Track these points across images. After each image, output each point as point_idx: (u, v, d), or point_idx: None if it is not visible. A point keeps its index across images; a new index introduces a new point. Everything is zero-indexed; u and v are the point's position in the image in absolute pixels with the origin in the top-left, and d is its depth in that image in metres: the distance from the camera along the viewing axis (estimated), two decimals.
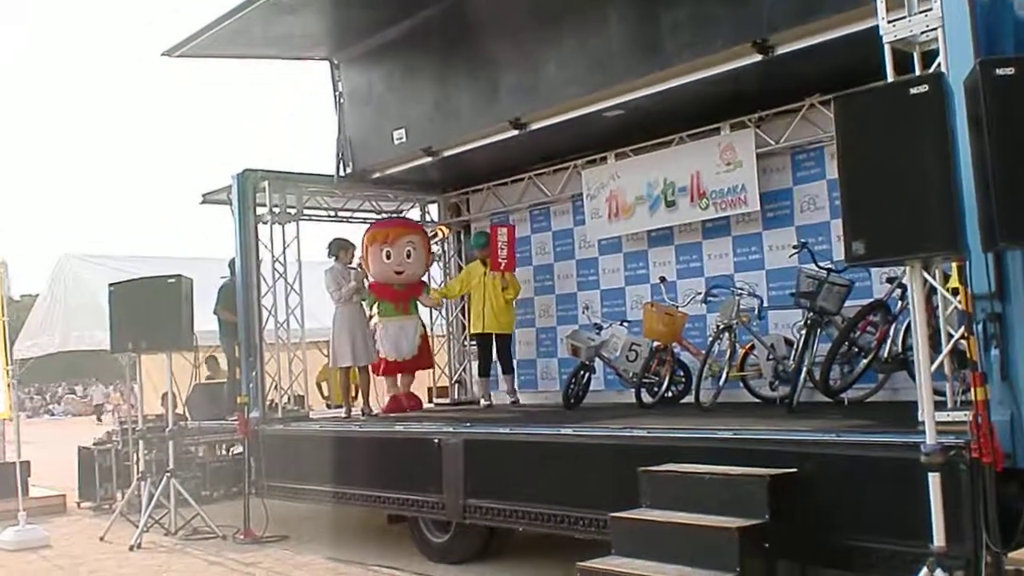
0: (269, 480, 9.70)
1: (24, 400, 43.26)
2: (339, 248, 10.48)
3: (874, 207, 4.39)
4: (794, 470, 5.35)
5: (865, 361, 6.89)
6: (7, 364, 9.58)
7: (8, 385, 9.56)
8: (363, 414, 10.26)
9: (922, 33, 5.16)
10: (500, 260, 9.98)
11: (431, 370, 11.77)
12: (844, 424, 5.85)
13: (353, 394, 10.64)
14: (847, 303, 7.18)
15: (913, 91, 4.29)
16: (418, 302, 10.89)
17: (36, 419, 43.04)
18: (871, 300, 7.12)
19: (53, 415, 47.63)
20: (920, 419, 5.06)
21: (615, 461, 6.34)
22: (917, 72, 5.22)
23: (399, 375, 10.78)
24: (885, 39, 5.30)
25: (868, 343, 6.91)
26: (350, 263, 10.52)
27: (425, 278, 11.33)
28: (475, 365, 11.81)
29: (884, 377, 7.34)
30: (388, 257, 10.70)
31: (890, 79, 5.19)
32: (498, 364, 10.25)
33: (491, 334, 10.16)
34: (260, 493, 9.72)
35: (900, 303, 6.84)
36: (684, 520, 5.37)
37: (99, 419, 39.30)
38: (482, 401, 10.63)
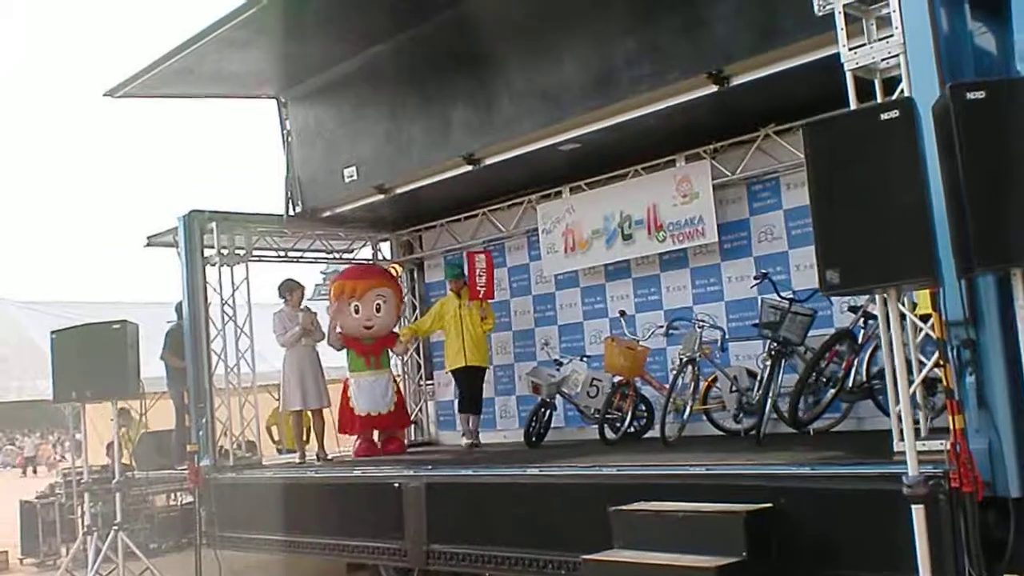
0: (222, 530, 9.35)
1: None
2: (287, 290, 10.27)
3: (847, 235, 4.33)
4: (769, 505, 5.23)
5: (833, 391, 6.83)
6: None
7: None
8: (318, 459, 9.98)
9: (883, 60, 5.13)
10: (479, 288, 9.68)
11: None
12: (816, 456, 5.76)
13: (305, 438, 10.35)
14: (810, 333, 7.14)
15: (884, 116, 4.24)
16: (390, 352, 10.56)
17: None
18: (836, 329, 7.08)
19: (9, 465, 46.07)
20: (896, 449, 5.03)
21: (584, 500, 6.18)
22: (879, 99, 5.20)
23: (375, 431, 10.32)
24: (847, 66, 5.26)
25: (834, 373, 6.86)
26: (299, 305, 10.28)
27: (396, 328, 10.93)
28: (431, 405, 11.67)
29: (848, 407, 7.31)
30: (357, 312, 10.27)
31: (852, 107, 5.16)
32: (467, 402, 9.92)
33: (472, 368, 9.80)
34: (212, 544, 9.36)
35: (863, 332, 6.82)
36: (659, 560, 5.21)
37: (30, 471, 37.73)
38: (464, 440, 10.02)
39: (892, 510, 4.57)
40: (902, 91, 4.94)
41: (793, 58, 6.61)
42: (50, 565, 11.60)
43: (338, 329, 10.25)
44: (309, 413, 10.26)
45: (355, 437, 10.29)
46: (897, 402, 4.80)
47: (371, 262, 11.87)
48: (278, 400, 15.36)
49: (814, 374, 6.88)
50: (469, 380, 9.84)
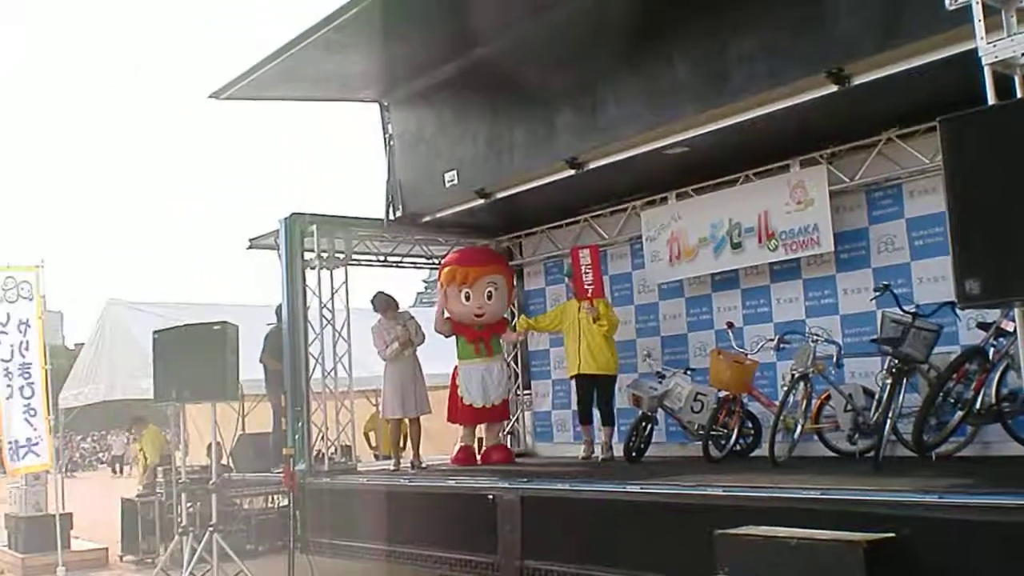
0: (315, 536, 9.27)
1: (76, 449, 43.20)
2: (381, 306, 10.07)
3: (989, 242, 3.92)
4: (892, 535, 4.80)
5: (960, 413, 6.33)
6: (48, 414, 9.28)
7: (50, 434, 9.26)
8: (412, 467, 9.82)
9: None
10: (586, 286, 9.08)
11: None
12: (945, 484, 5.30)
13: (402, 445, 10.21)
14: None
15: None
16: (500, 340, 10.11)
17: (87, 472, 42.87)
18: (967, 347, 6.58)
19: (103, 463, 47.49)
20: None
21: (687, 522, 5.81)
22: (1019, 95, 4.76)
23: (481, 425, 10.00)
24: (985, 60, 4.81)
25: (961, 393, 6.36)
26: (395, 316, 10.06)
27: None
28: (527, 415, 11.41)
29: (975, 430, 6.80)
30: (467, 299, 9.88)
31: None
32: (584, 412, 9.39)
33: (589, 376, 9.20)
34: (305, 549, 9.27)
35: (993, 350, 6.31)
36: None
37: (117, 471, 38.37)
38: (582, 451, 9.51)
39: None
40: None
41: (920, 56, 6.17)
42: (149, 563, 11.69)
43: (446, 315, 9.99)
44: (407, 421, 10.08)
45: (456, 444, 10.03)
46: None
47: (486, 244, 11.33)
48: (375, 406, 15.46)
49: (940, 394, 6.39)
50: (586, 388, 9.29)
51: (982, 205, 3.98)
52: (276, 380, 10.88)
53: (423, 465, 9.89)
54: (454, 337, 10.04)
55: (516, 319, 10.79)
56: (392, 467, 9.98)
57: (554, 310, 9.95)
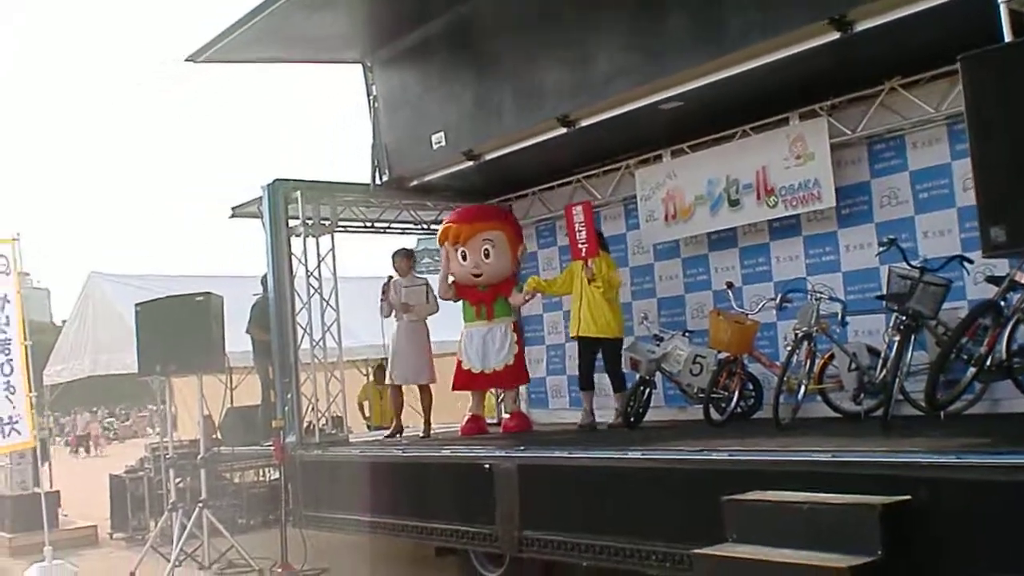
0: (307, 509, 9.07)
1: (64, 427, 42.77)
2: (394, 259, 9.82)
3: (1016, 186, 3.66)
4: (908, 498, 4.59)
5: (973, 370, 6.11)
6: (30, 390, 9.01)
7: (31, 411, 8.99)
8: (422, 436, 9.60)
9: None
10: (580, 245, 8.51)
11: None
12: (959, 443, 5.08)
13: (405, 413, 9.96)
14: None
15: None
16: (509, 301, 9.39)
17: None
18: (980, 302, 6.35)
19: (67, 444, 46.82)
20: None
21: (692, 487, 5.62)
22: None
23: (485, 391, 9.62)
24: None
25: (973, 350, 6.14)
26: (409, 274, 9.78)
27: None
28: None
29: (984, 387, 6.59)
30: (464, 258, 9.28)
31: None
32: (584, 376, 8.91)
33: (590, 339, 8.72)
34: (298, 523, 9.09)
35: (1006, 304, 6.09)
36: (782, 558, 4.62)
37: (81, 450, 37.40)
38: (580, 419, 9.00)
39: None
40: None
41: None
42: (138, 540, 11.51)
43: (450, 279, 9.56)
44: (418, 389, 9.79)
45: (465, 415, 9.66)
46: None
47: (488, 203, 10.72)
48: (366, 376, 15.25)
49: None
50: (587, 352, 8.86)
51: (1006, 148, 3.73)
52: (264, 351, 10.65)
53: (428, 434, 9.64)
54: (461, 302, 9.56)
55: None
56: (387, 435, 9.76)
57: (564, 271, 9.34)
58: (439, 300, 9.75)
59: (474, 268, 9.28)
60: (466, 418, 9.54)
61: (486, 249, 9.24)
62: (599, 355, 8.83)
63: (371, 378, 14.54)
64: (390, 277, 9.83)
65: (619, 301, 8.96)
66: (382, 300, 9.67)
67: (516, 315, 9.81)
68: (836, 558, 4.44)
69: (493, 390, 10.31)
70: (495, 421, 10.39)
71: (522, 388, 10.12)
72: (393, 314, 9.73)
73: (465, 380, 9.37)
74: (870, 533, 4.46)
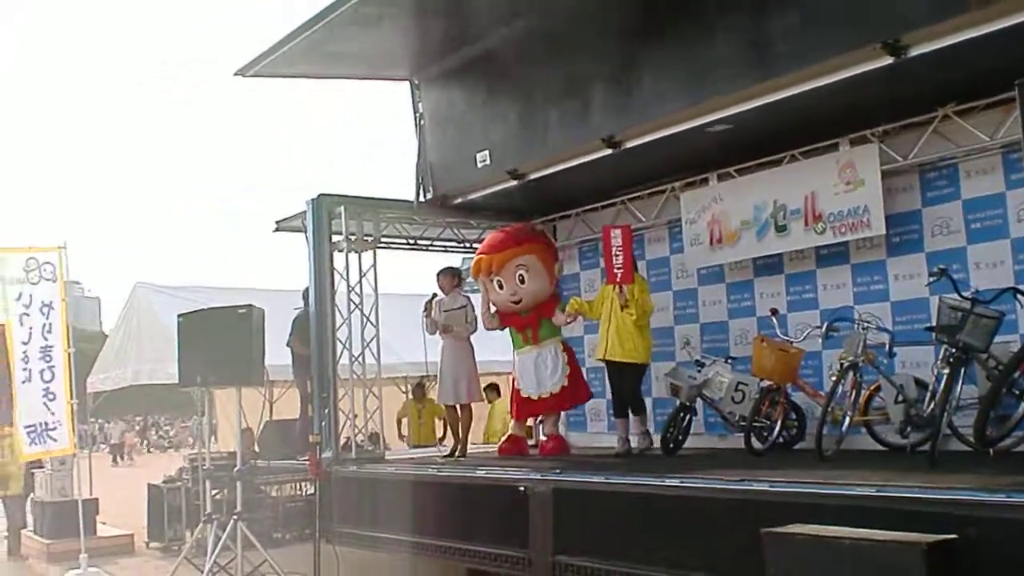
0: (341, 525, 9.02)
1: (108, 435, 43.12)
2: (439, 278, 9.79)
3: None
4: (954, 536, 4.44)
5: None
6: (71, 398, 9.08)
7: (71, 418, 9.06)
8: (452, 454, 9.54)
9: None
10: (616, 270, 8.33)
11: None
12: (1009, 481, 4.91)
13: (441, 434, 9.91)
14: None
15: None
16: (552, 322, 9.30)
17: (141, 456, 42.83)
18: None
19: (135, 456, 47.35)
20: None
21: (732, 518, 5.49)
22: None
23: (534, 418, 9.53)
24: None
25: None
26: (453, 292, 9.68)
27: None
28: None
29: None
30: (501, 287, 9.36)
31: None
32: (615, 403, 8.91)
33: (616, 363, 8.59)
34: (332, 539, 9.03)
35: None
36: None
37: (118, 459, 37.71)
38: (617, 446, 8.75)
39: None
40: None
41: (985, 24, 5.75)
42: (175, 550, 11.52)
43: (492, 309, 9.57)
44: (458, 408, 9.70)
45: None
46: None
47: (521, 224, 10.39)
48: (405, 393, 15.23)
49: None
50: (615, 377, 8.81)
51: None
52: (304, 365, 10.64)
53: (465, 454, 9.57)
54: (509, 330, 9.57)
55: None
56: (447, 454, 9.68)
57: (598, 294, 9.19)
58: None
59: (512, 296, 9.32)
60: (505, 438, 9.46)
61: (520, 275, 9.27)
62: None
63: (410, 396, 14.50)
64: (434, 295, 9.80)
65: (650, 327, 8.79)
66: (425, 317, 9.64)
67: (562, 333, 9.68)
68: None
69: None
70: (533, 443, 10.29)
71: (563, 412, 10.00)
72: (437, 332, 9.69)
73: (523, 406, 9.39)
74: (914, 572, 4.31)
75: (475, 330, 9.75)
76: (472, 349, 9.74)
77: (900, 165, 7.68)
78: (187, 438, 44.63)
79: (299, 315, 11.02)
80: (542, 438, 9.95)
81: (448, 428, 9.93)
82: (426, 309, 9.62)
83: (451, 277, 9.82)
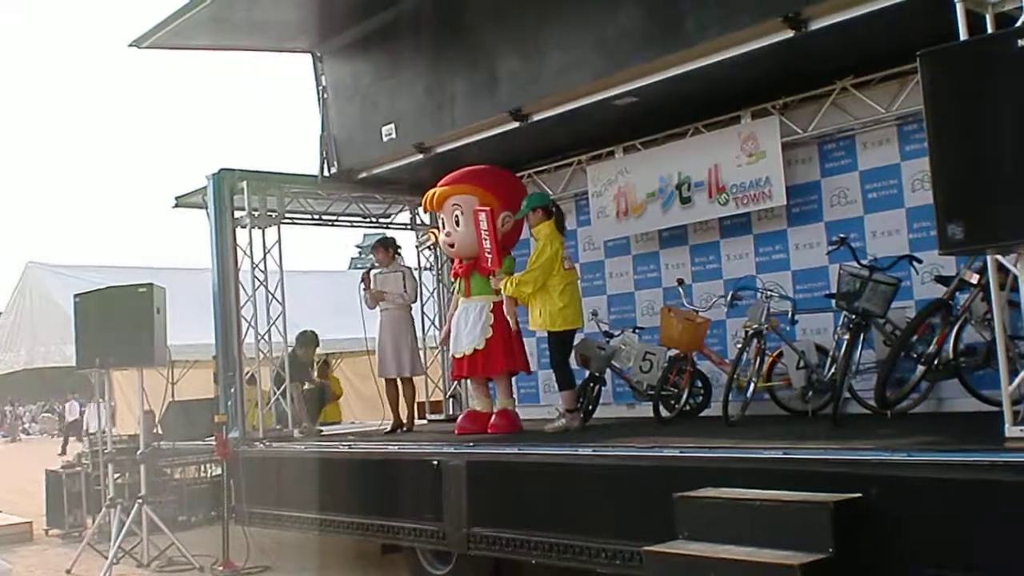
0: (250, 506, 8.89)
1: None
2: (373, 251, 9.58)
3: (973, 183, 3.67)
4: (859, 496, 4.60)
5: (922, 369, 6.16)
6: None
7: None
8: (393, 431, 9.27)
9: None
10: (487, 255, 7.88)
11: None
12: (910, 442, 5.09)
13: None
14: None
15: (1021, 43, 3.56)
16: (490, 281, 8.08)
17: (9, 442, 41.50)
18: (930, 301, 6.41)
19: (29, 435, 46.01)
20: (1008, 434, 4.43)
21: (643, 485, 5.58)
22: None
23: (480, 381, 8.33)
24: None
25: (923, 349, 6.19)
26: (391, 264, 9.41)
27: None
28: None
29: (929, 386, 6.65)
30: (442, 226, 8.39)
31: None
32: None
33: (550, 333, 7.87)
34: (240, 520, 8.91)
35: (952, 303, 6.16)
36: (733, 555, 4.60)
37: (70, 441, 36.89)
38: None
39: (1016, 503, 3.96)
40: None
41: None
42: (75, 537, 11.20)
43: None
44: (399, 381, 9.34)
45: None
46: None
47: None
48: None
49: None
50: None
51: (964, 143, 3.73)
52: (301, 367, 10.37)
53: (404, 428, 9.32)
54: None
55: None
56: (388, 431, 9.31)
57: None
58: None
59: (446, 237, 8.33)
60: (463, 414, 8.59)
61: (456, 216, 8.18)
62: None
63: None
64: (371, 267, 9.59)
65: (566, 289, 7.83)
66: (364, 291, 9.32)
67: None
68: (788, 555, 4.42)
69: None
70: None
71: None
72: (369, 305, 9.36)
73: (454, 366, 8.60)
74: (822, 530, 4.46)
75: (415, 300, 9.56)
76: (412, 321, 9.47)
77: (800, 137, 7.86)
78: (83, 422, 43.34)
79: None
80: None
81: (389, 404, 9.57)
82: (363, 281, 9.42)
83: (386, 249, 9.52)
